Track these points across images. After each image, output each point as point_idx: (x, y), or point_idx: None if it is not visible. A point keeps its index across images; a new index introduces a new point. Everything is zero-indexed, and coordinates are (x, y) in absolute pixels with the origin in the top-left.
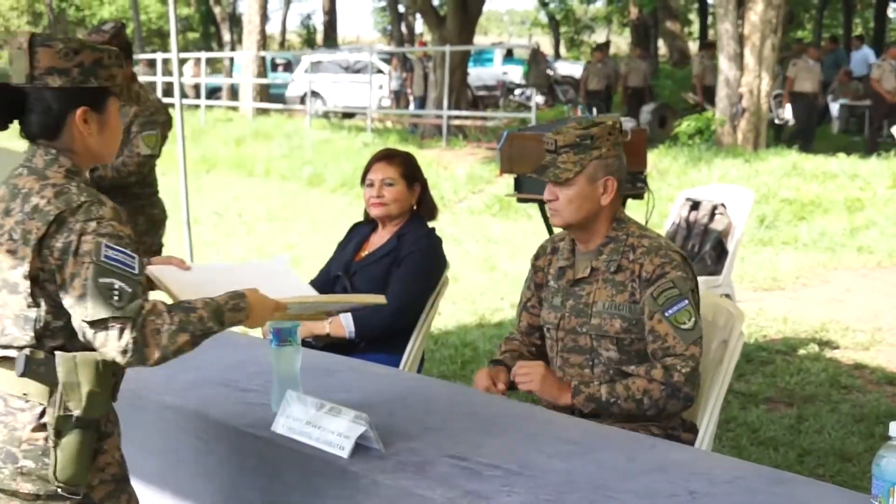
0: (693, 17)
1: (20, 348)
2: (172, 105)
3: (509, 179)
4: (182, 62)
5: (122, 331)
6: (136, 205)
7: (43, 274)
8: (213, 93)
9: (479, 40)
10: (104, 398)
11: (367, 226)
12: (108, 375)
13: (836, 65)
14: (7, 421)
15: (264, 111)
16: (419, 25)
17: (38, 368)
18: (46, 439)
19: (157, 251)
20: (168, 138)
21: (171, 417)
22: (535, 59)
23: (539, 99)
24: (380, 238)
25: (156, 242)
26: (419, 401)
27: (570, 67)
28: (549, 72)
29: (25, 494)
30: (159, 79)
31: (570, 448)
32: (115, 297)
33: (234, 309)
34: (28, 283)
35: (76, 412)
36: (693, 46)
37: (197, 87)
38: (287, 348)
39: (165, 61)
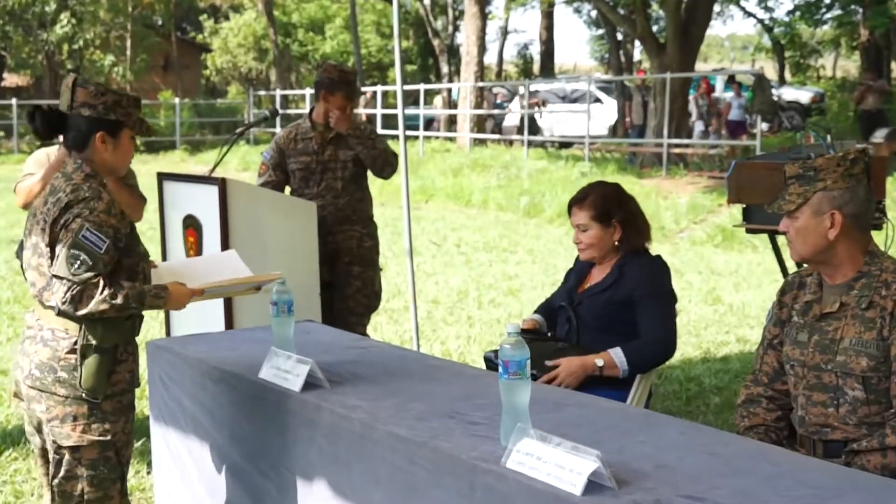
0: None
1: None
2: (395, 137)
3: (733, 209)
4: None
5: (67, 289)
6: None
7: (55, 244)
8: (429, 124)
9: (700, 67)
10: (115, 334)
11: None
12: (121, 318)
13: None
14: (52, 345)
15: (481, 141)
16: (637, 53)
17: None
18: (76, 359)
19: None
20: None
21: (400, 448)
22: (760, 85)
23: (764, 126)
24: (601, 271)
25: None
26: (650, 437)
27: (795, 93)
28: (774, 98)
29: (59, 396)
30: (379, 111)
31: (813, 492)
32: (75, 265)
33: (155, 296)
34: (48, 249)
35: (94, 342)
36: None
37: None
38: (516, 381)
39: (385, 94)
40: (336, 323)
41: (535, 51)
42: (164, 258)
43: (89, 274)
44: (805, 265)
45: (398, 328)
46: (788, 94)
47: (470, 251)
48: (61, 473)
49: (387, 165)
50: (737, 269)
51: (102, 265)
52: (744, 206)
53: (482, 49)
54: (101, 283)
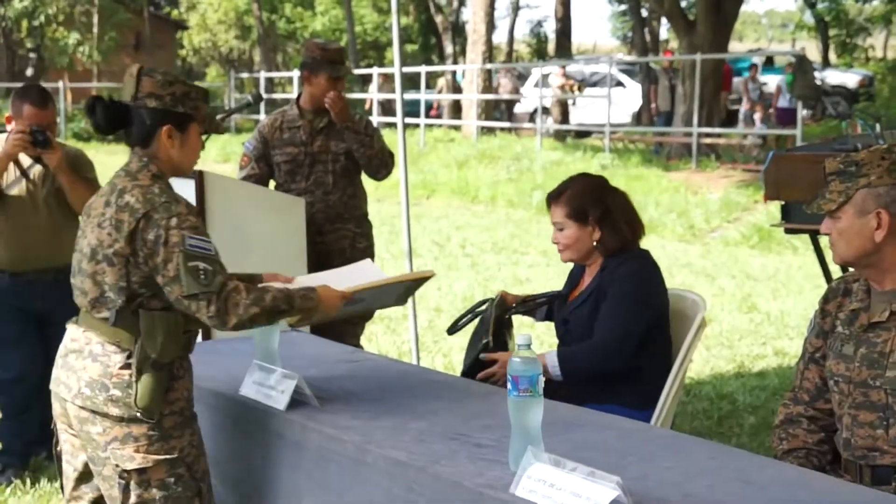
0: None
1: (114, 308)
2: (393, 125)
3: (771, 206)
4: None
5: (209, 302)
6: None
7: (133, 256)
8: (430, 110)
9: (734, 47)
10: (175, 347)
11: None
12: (180, 330)
13: None
14: (103, 360)
15: (490, 130)
16: (664, 31)
17: (125, 322)
18: (130, 375)
19: None
20: None
21: (398, 474)
22: (802, 68)
23: (805, 113)
24: (588, 276)
25: None
26: (676, 462)
27: (841, 76)
28: (818, 82)
29: (114, 417)
30: (375, 95)
31: None
32: (202, 276)
33: (304, 297)
34: (122, 260)
35: (153, 356)
36: None
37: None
38: (527, 399)
39: (382, 76)
40: (326, 333)
41: (550, 29)
42: None
43: (220, 278)
44: (851, 269)
45: (396, 339)
46: (833, 77)
47: (476, 252)
48: (132, 500)
49: (383, 167)
50: (775, 274)
51: (220, 265)
52: (782, 203)
53: (491, 27)
54: (241, 286)
